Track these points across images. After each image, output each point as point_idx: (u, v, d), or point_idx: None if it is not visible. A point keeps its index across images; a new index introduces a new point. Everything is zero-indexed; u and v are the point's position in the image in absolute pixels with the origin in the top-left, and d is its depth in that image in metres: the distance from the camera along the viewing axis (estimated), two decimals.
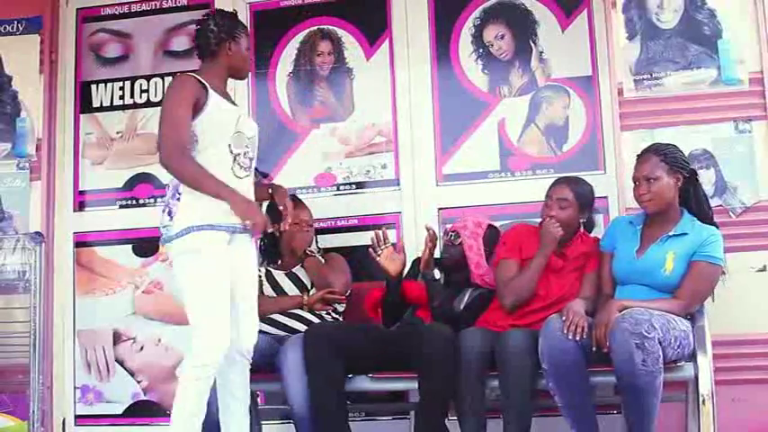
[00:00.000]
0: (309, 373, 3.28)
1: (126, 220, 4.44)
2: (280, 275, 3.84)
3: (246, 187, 3.16)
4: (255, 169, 4.21)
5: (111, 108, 4.55)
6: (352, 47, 4.36)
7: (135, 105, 4.52)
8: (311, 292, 3.72)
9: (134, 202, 4.44)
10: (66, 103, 4.60)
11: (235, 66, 3.22)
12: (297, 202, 3.90)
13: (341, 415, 3.30)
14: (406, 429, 3.87)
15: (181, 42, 4.47)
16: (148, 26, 4.58)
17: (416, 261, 3.77)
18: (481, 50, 4.23)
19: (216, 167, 3.06)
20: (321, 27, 4.41)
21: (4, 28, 4.60)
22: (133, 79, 4.56)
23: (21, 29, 4.59)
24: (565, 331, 3.02)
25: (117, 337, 4.42)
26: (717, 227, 3.26)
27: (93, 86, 4.61)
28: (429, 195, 4.16)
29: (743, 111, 3.83)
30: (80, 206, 4.53)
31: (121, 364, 4.41)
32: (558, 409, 3.08)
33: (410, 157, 4.21)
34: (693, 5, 3.92)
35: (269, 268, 3.89)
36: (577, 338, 3.01)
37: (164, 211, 3.14)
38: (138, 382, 4.37)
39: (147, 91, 4.52)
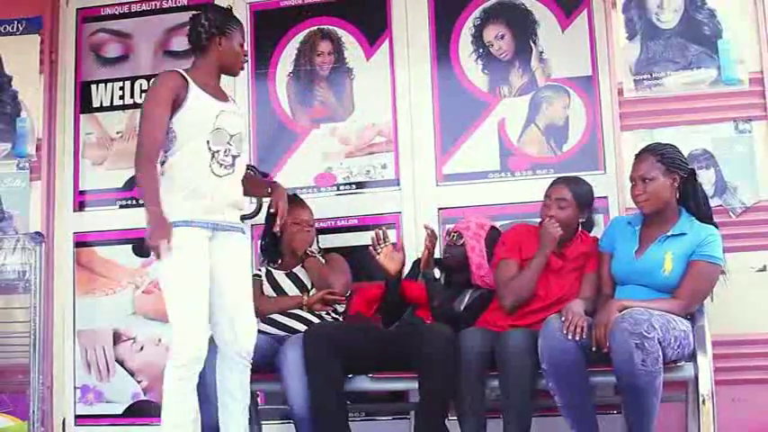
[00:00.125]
0: (309, 373, 3.28)
1: (126, 220, 4.44)
2: (280, 275, 3.84)
3: (227, 186, 3.13)
4: (255, 169, 4.25)
5: (111, 108, 4.55)
6: (352, 47, 4.36)
7: (135, 105, 4.50)
8: (311, 293, 3.72)
9: (134, 202, 4.44)
10: (66, 103, 4.60)
11: (225, 61, 3.19)
12: (298, 201, 3.90)
13: (341, 415, 3.30)
14: (406, 429, 3.87)
15: (181, 42, 4.44)
16: (148, 26, 4.58)
17: (417, 262, 3.77)
18: (481, 50, 4.23)
19: (193, 164, 3.05)
20: (321, 27, 4.41)
21: (4, 28, 4.60)
22: (133, 79, 4.56)
23: (21, 29, 4.59)
24: (564, 331, 3.02)
25: (117, 337, 4.42)
26: (716, 226, 3.26)
27: (94, 86, 4.61)
28: (429, 195, 4.16)
29: (743, 111, 3.83)
30: (80, 206, 4.53)
31: (121, 364, 4.41)
32: (558, 409, 3.08)
33: (410, 157, 4.21)
34: (693, 5, 3.92)
35: (269, 268, 3.89)
36: (577, 338, 3.01)
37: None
38: (138, 382, 4.37)
39: (146, 91, 4.51)
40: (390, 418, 4.04)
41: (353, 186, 4.27)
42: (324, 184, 4.28)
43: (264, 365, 3.37)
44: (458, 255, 3.66)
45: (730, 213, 3.77)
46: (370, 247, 3.59)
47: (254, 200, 4.28)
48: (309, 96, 4.39)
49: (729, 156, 3.81)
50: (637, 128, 3.88)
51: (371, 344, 3.39)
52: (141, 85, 4.54)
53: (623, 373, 2.93)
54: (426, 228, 3.65)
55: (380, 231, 3.61)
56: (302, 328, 3.59)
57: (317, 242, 3.95)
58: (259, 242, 4.11)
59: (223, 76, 3.27)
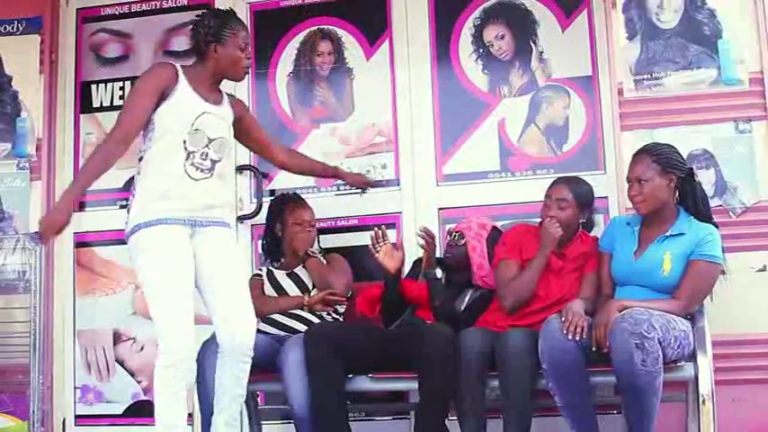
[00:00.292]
0: (310, 373, 3.28)
1: None
2: (281, 275, 3.84)
3: (202, 189, 3.07)
4: (255, 169, 4.25)
5: (111, 108, 4.54)
6: (352, 47, 4.36)
7: None
8: (312, 293, 3.72)
9: None
10: (66, 104, 4.60)
11: (221, 69, 3.16)
12: (299, 201, 3.91)
13: (341, 415, 3.30)
14: (406, 429, 3.87)
15: (181, 42, 4.45)
16: (148, 26, 4.58)
17: (418, 261, 3.77)
18: (481, 50, 4.23)
19: (166, 161, 3.03)
20: (321, 27, 4.41)
21: (4, 28, 4.60)
22: (133, 79, 4.52)
23: (21, 29, 4.59)
24: (564, 331, 3.02)
25: (117, 337, 4.42)
26: (716, 225, 3.26)
27: (94, 86, 4.61)
28: (429, 195, 4.16)
29: (743, 111, 3.82)
30: (80, 206, 4.52)
31: (121, 364, 4.41)
32: (558, 409, 3.09)
33: (410, 157, 4.21)
34: (693, 5, 3.92)
35: (270, 268, 3.89)
36: (577, 338, 3.01)
37: (126, 207, 3.14)
38: (139, 382, 4.37)
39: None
40: (390, 418, 4.04)
41: (353, 186, 4.26)
42: (324, 184, 4.27)
43: (265, 365, 3.37)
44: (459, 255, 3.66)
45: (730, 213, 3.77)
46: (370, 246, 3.59)
47: (255, 200, 4.28)
48: (309, 96, 4.39)
49: (729, 156, 3.80)
50: (637, 128, 3.88)
51: (372, 344, 3.39)
52: None
53: (623, 373, 2.93)
54: (421, 231, 3.64)
55: (379, 230, 3.61)
56: (302, 328, 3.59)
57: (318, 242, 3.95)
58: (260, 242, 4.11)
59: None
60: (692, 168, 3.35)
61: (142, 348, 4.37)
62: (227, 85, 3.33)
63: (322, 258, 3.84)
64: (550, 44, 4.15)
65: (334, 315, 3.73)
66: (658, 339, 2.91)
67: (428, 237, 3.65)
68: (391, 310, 3.64)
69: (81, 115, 4.59)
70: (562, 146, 4.09)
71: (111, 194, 4.47)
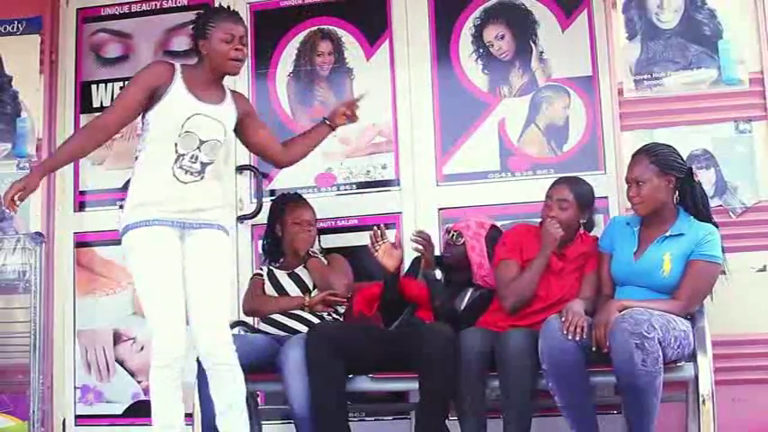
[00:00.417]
0: (311, 373, 3.28)
1: None
2: (282, 275, 3.83)
3: (191, 193, 3.03)
4: (255, 169, 4.25)
5: None
6: (352, 47, 4.36)
7: None
8: (313, 293, 3.72)
9: None
10: (66, 104, 4.60)
11: (214, 65, 3.11)
12: (300, 201, 3.90)
13: (341, 415, 3.30)
14: (406, 430, 3.87)
15: (181, 42, 4.46)
16: (148, 26, 4.58)
17: (417, 259, 3.76)
18: (481, 50, 4.23)
19: (157, 163, 3.02)
20: (321, 27, 4.40)
21: (4, 28, 4.60)
22: None
23: (21, 29, 4.59)
24: (564, 331, 3.02)
25: (117, 337, 4.42)
26: (716, 225, 3.26)
27: (94, 86, 4.61)
28: (429, 195, 4.16)
29: (743, 111, 3.82)
30: (80, 206, 4.53)
31: (121, 364, 4.41)
32: (558, 409, 3.09)
33: (410, 157, 4.21)
34: (693, 5, 3.92)
35: (271, 267, 3.88)
36: (577, 339, 3.01)
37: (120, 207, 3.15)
38: (139, 382, 4.37)
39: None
40: (391, 418, 4.04)
41: (354, 186, 4.27)
42: (324, 184, 4.28)
43: (265, 365, 3.37)
44: (458, 254, 3.66)
45: (730, 213, 3.77)
46: (369, 244, 3.59)
47: (255, 200, 4.28)
48: (309, 96, 4.39)
49: (729, 156, 3.81)
50: (637, 128, 3.88)
51: (372, 344, 3.39)
52: None
53: (623, 373, 2.93)
54: (415, 236, 3.63)
55: (378, 229, 3.61)
56: (302, 328, 3.59)
57: (319, 242, 3.95)
58: (260, 242, 4.11)
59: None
60: (691, 168, 3.35)
61: (142, 348, 4.36)
62: (227, 83, 3.33)
63: (323, 258, 3.84)
64: (550, 44, 4.15)
65: (334, 315, 3.72)
66: (658, 339, 2.91)
67: (423, 240, 3.64)
68: (390, 308, 3.64)
69: (81, 115, 4.58)
70: (562, 146, 4.09)
71: (111, 194, 4.47)
